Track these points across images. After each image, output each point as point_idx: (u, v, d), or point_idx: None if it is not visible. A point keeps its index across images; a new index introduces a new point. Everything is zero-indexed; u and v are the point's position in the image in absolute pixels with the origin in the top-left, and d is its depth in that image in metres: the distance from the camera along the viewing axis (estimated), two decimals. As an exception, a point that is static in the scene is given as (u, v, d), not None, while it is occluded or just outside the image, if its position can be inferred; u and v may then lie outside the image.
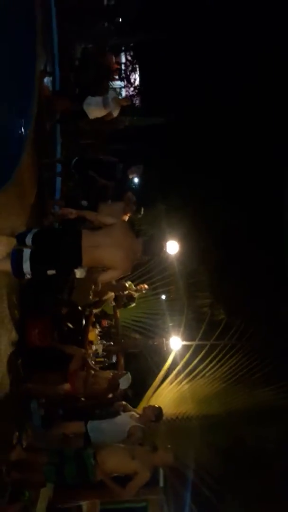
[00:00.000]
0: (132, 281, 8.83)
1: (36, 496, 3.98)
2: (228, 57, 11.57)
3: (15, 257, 3.36)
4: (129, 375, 5.26)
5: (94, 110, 6.42)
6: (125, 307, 7.17)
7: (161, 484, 7.42)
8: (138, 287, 7.24)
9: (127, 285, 7.01)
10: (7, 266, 3.42)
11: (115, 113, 6.62)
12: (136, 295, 7.00)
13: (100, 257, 3.44)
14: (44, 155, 5.94)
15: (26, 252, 3.34)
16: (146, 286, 7.43)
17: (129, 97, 11.97)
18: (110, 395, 5.47)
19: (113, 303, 6.92)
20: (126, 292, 6.71)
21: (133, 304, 7.11)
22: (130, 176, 6.02)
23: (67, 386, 4.62)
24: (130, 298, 6.86)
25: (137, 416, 4.65)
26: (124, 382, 5.21)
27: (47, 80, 6.68)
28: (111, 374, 5.38)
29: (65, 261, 3.43)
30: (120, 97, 7.38)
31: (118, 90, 12.55)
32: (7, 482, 3.66)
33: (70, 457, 3.66)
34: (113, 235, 3.51)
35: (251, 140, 11.27)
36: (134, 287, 7.14)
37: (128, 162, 6.10)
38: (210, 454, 6.93)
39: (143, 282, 8.48)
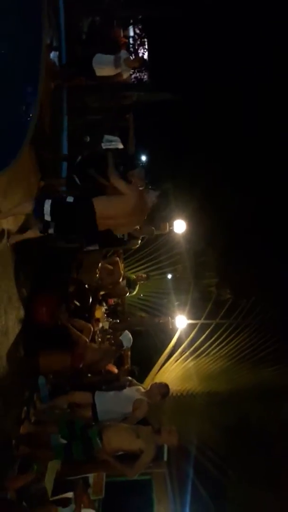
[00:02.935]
0: (139, 260, 8.99)
1: (44, 469, 4.08)
2: (238, 39, 11.22)
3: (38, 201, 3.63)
4: (128, 333, 5.35)
5: (104, 68, 6.10)
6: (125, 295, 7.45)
7: (165, 458, 7.59)
8: (137, 276, 7.59)
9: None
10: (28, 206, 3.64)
11: (125, 75, 6.28)
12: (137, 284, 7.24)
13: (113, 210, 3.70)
14: (50, 131, 5.84)
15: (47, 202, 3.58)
16: (144, 275, 7.78)
17: (142, 58, 11.34)
18: (116, 371, 5.56)
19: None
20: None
21: (134, 292, 7.29)
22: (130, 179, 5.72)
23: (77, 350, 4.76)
24: (131, 286, 7.08)
25: (143, 391, 4.70)
26: (126, 340, 5.27)
27: (53, 54, 6.52)
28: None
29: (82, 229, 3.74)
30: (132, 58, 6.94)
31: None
32: (16, 456, 3.75)
33: (77, 436, 3.74)
34: (127, 202, 3.73)
35: (262, 123, 11.03)
36: (134, 276, 7.42)
37: (129, 164, 5.82)
38: (214, 431, 7.04)
39: (150, 261, 8.62)
